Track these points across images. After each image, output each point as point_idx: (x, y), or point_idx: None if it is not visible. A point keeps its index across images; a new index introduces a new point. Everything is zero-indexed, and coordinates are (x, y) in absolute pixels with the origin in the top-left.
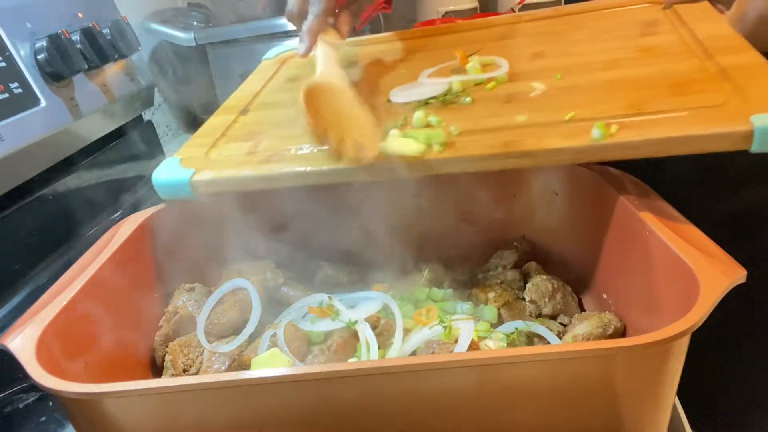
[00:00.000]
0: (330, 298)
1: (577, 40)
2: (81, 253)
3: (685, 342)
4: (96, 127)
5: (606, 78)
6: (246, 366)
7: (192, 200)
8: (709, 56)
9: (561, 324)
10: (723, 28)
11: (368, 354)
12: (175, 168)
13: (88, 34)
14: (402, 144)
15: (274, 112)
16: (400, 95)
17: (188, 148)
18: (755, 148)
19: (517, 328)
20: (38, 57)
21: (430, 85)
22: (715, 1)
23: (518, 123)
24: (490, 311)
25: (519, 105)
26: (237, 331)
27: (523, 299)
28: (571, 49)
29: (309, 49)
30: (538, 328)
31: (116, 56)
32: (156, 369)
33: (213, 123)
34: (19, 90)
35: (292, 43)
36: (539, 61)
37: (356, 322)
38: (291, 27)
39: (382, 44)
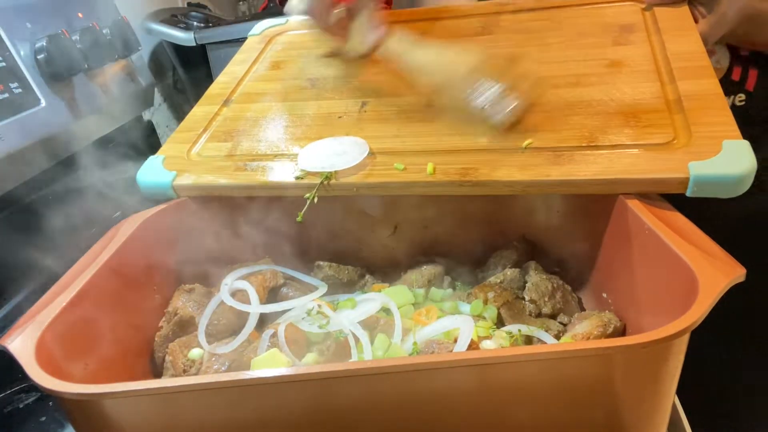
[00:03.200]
0: (320, 306)
1: (552, 43)
2: (81, 253)
3: (684, 341)
4: (96, 127)
5: (569, 98)
6: (246, 366)
7: (175, 199)
8: (671, 79)
9: (561, 323)
10: (693, 44)
11: (360, 357)
12: (158, 169)
13: (88, 34)
14: None
15: (255, 106)
16: None
17: (171, 145)
18: (689, 193)
19: (520, 330)
20: (38, 57)
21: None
22: (696, 4)
23: (479, 146)
24: (490, 311)
25: (483, 122)
26: (236, 332)
27: (523, 299)
28: (544, 54)
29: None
30: (542, 334)
31: (116, 56)
32: (156, 369)
33: (196, 114)
34: (19, 90)
35: (278, 19)
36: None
37: (341, 332)
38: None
39: None
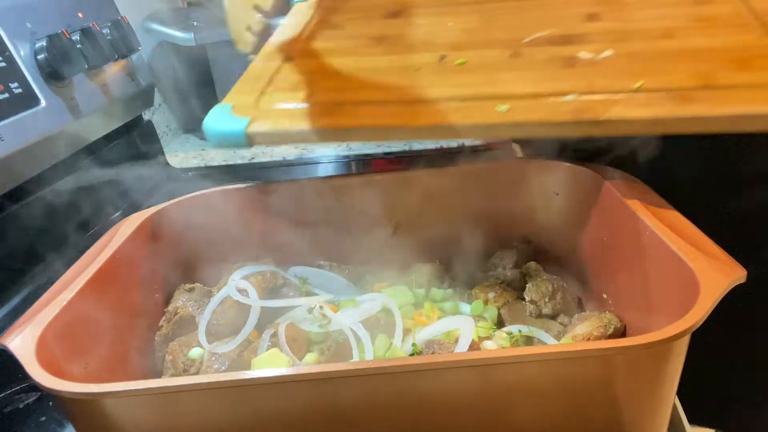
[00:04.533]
0: (321, 307)
1: (630, 2)
2: (81, 253)
3: (685, 342)
4: (96, 127)
5: (666, 47)
6: (246, 366)
7: (245, 148)
8: (767, 32)
9: (561, 324)
10: None
11: (362, 357)
12: (228, 116)
13: (88, 34)
14: None
15: (322, 61)
16: None
17: (237, 95)
18: None
19: (520, 331)
20: (38, 57)
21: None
22: None
23: (584, 89)
24: (490, 311)
25: (581, 71)
26: (237, 332)
27: (523, 299)
28: (624, 13)
29: None
30: (542, 335)
31: (116, 56)
32: (156, 369)
33: (256, 69)
34: (19, 90)
35: None
36: (594, 23)
37: (341, 332)
38: None
39: None
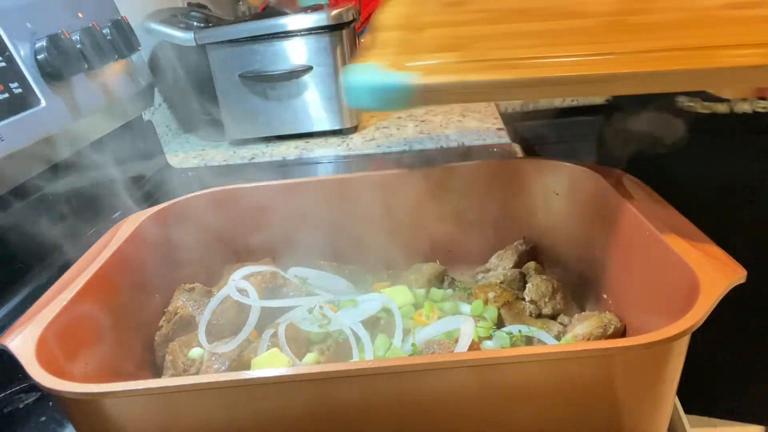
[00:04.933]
0: (321, 307)
1: None
2: (81, 253)
3: (685, 342)
4: (96, 127)
5: None
6: (246, 366)
7: (395, 110)
8: None
9: (561, 324)
10: None
11: (362, 357)
12: (381, 72)
13: (88, 34)
14: None
15: (459, 30)
16: None
17: (377, 57)
18: None
19: (520, 331)
20: (38, 57)
21: None
22: None
23: (710, 43)
24: (490, 311)
25: (698, 30)
26: (237, 332)
27: (523, 299)
28: None
29: None
30: (542, 335)
31: (116, 56)
32: (156, 369)
33: (381, 39)
34: (19, 90)
35: None
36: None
37: (341, 332)
38: (292, 27)
39: None
